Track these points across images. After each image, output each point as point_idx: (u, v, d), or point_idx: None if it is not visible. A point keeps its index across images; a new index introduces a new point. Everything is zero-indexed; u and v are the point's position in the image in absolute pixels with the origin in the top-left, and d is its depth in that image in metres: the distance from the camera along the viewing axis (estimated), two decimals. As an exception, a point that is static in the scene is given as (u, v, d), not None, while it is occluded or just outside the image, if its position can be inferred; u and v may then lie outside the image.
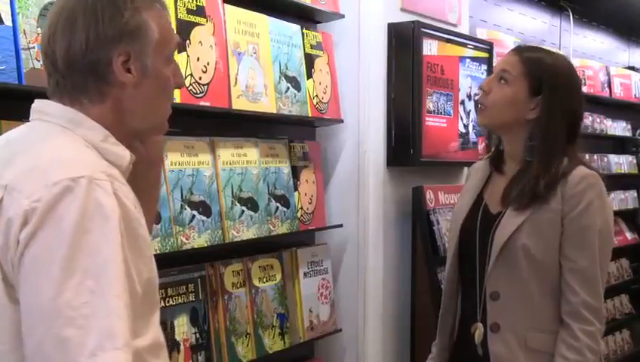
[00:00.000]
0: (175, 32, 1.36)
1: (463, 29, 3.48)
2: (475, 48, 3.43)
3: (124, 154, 1.26)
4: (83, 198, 1.07)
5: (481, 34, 4.03)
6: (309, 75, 2.74)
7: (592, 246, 1.84)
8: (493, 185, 2.05)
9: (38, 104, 1.25)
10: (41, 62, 1.27)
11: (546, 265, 1.87)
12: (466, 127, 3.38)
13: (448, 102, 3.23)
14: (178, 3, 2.18)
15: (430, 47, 3.08)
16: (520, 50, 2.01)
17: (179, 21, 2.17)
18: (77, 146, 1.19)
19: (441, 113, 3.19)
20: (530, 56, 1.96)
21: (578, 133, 1.97)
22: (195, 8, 2.24)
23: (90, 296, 1.03)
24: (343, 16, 2.88)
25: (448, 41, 3.22)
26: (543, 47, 2.15)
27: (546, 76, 1.92)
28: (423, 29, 3.01)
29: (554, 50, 2.07)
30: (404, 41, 2.99)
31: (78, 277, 1.03)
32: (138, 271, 1.14)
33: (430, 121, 3.11)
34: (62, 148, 1.18)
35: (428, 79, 3.07)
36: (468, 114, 3.39)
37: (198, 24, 2.24)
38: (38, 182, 1.08)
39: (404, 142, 3.00)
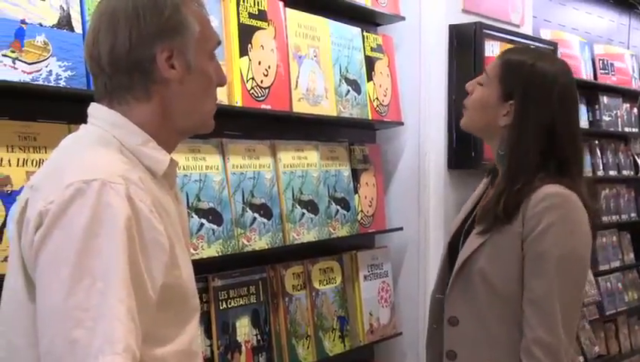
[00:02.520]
0: (216, 31, 1.37)
1: (527, 30, 3.42)
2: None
3: (163, 159, 1.26)
4: (94, 201, 1.07)
5: (545, 34, 3.95)
6: (370, 78, 2.73)
7: (547, 274, 1.64)
8: (486, 198, 1.89)
9: (90, 108, 1.28)
10: (88, 66, 1.30)
11: (506, 293, 1.70)
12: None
13: (511, 104, 3.17)
14: (240, 7, 2.20)
15: (492, 49, 3.03)
16: (505, 52, 1.88)
17: (241, 25, 2.20)
18: (105, 150, 1.20)
19: (503, 115, 3.13)
20: (509, 59, 1.80)
21: (562, 150, 1.73)
22: (256, 12, 2.26)
23: (100, 298, 1.04)
24: (403, 19, 2.87)
25: (511, 42, 3.16)
26: (539, 51, 1.90)
27: (519, 81, 1.75)
28: (484, 30, 2.97)
29: (555, 56, 1.90)
30: (465, 43, 2.95)
31: (87, 280, 1.04)
32: (151, 276, 1.14)
33: (492, 123, 3.05)
34: (87, 151, 1.19)
35: (490, 81, 3.02)
36: (531, 116, 3.32)
37: (259, 28, 2.27)
38: (53, 184, 1.11)
39: (466, 145, 2.96)
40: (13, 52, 1.63)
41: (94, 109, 1.27)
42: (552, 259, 1.64)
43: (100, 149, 1.20)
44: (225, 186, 2.15)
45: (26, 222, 1.12)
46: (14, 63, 1.63)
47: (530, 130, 1.72)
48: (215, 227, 2.10)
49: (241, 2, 2.21)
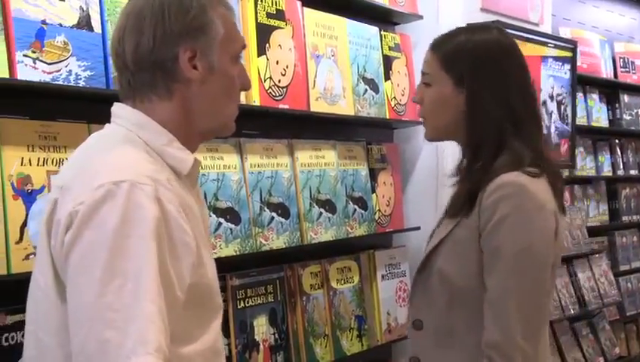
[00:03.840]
0: (242, 34, 1.37)
1: (546, 28, 3.40)
2: (558, 47, 3.34)
3: (187, 159, 1.27)
4: (124, 202, 1.08)
5: (565, 33, 3.92)
6: (387, 77, 2.73)
7: (501, 272, 1.50)
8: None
9: (114, 107, 1.28)
10: (113, 63, 1.30)
11: (466, 293, 1.57)
12: (547, 128, 3.29)
13: (530, 103, 3.16)
14: (258, 7, 2.21)
15: (511, 47, 3.02)
16: (434, 45, 1.72)
17: (259, 25, 2.20)
18: (132, 150, 1.20)
19: (522, 114, 3.12)
20: (443, 47, 1.68)
21: (521, 126, 1.59)
22: (274, 12, 2.26)
23: (131, 298, 1.05)
24: (421, 17, 2.86)
25: (529, 40, 3.14)
26: (470, 27, 1.77)
27: (466, 62, 1.63)
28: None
29: (485, 24, 1.80)
30: (484, 41, 2.94)
31: (119, 280, 1.05)
32: (179, 276, 1.14)
33: (511, 123, 3.04)
34: (114, 151, 1.20)
35: (508, 79, 3.01)
36: (550, 115, 3.30)
37: (277, 27, 2.27)
38: (83, 185, 1.11)
39: (484, 144, 2.95)
40: (33, 52, 1.65)
41: (118, 109, 1.27)
42: (507, 255, 1.50)
43: (126, 149, 1.20)
44: (243, 185, 2.16)
45: (56, 223, 1.13)
46: (35, 63, 1.65)
47: (488, 111, 1.60)
48: (233, 226, 2.10)
49: (259, 2, 2.22)
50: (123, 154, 1.19)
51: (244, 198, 2.16)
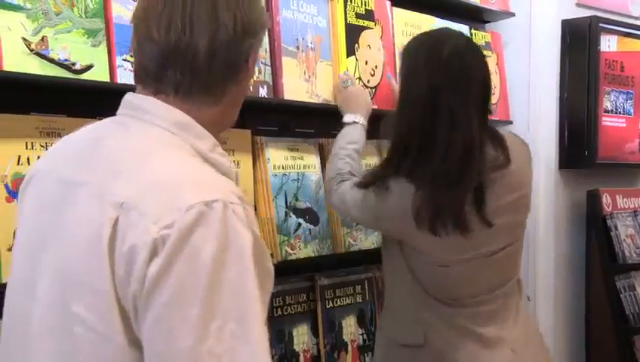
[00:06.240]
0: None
1: (647, 22, 3.25)
2: (660, 42, 3.20)
3: (232, 167, 1.09)
4: (219, 227, 0.90)
5: (668, 26, 3.75)
6: (478, 76, 2.67)
7: None
8: None
9: (133, 98, 1.07)
10: (158, 50, 1.03)
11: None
12: (647, 128, 3.16)
13: (628, 101, 3.03)
14: (348, 7, 2.21)
15: (609, 43, 2.91)
16: None
17: (348, 25, 2.21)
18: (193, 159, 1.01)
19: (619, 112, 3.00)
20: None
21: (423, 144, 1.62)
22: (364, 12, 2.26)
23: (234, 341, 0.88)
24: (513, 15, 2.79)
25: (628, 35, 3.02)
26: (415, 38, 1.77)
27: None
28: (600, 24, 2.85)
29: (427, 33, 1.78)
30: (579, 38, 2.85)
31: (219, 321, 0.88)
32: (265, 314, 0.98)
33: (607, 121, 2.93)
34: (182, 161, 0.99)
35: (605, 77, 2.91)
36: (650, 114, 3.17)
37: (366, 28, 2.27)
38: (165, 203, 0.91)
39: (579, 144, 2.86)
40: (132, 56, 1.70)
41: (145, 102, 1.05)
42: None
43: (190, 158, 1.00)
44: (322, 186, 2.16)
45: (128, 250, 0.91)
46: (133, 67, 1.70)
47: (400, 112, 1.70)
48: (312, 227, 2.11)
49: (349, 2, 2.22)
50: (194, 165, 0.99)
51: (323, 199, 2.16)
